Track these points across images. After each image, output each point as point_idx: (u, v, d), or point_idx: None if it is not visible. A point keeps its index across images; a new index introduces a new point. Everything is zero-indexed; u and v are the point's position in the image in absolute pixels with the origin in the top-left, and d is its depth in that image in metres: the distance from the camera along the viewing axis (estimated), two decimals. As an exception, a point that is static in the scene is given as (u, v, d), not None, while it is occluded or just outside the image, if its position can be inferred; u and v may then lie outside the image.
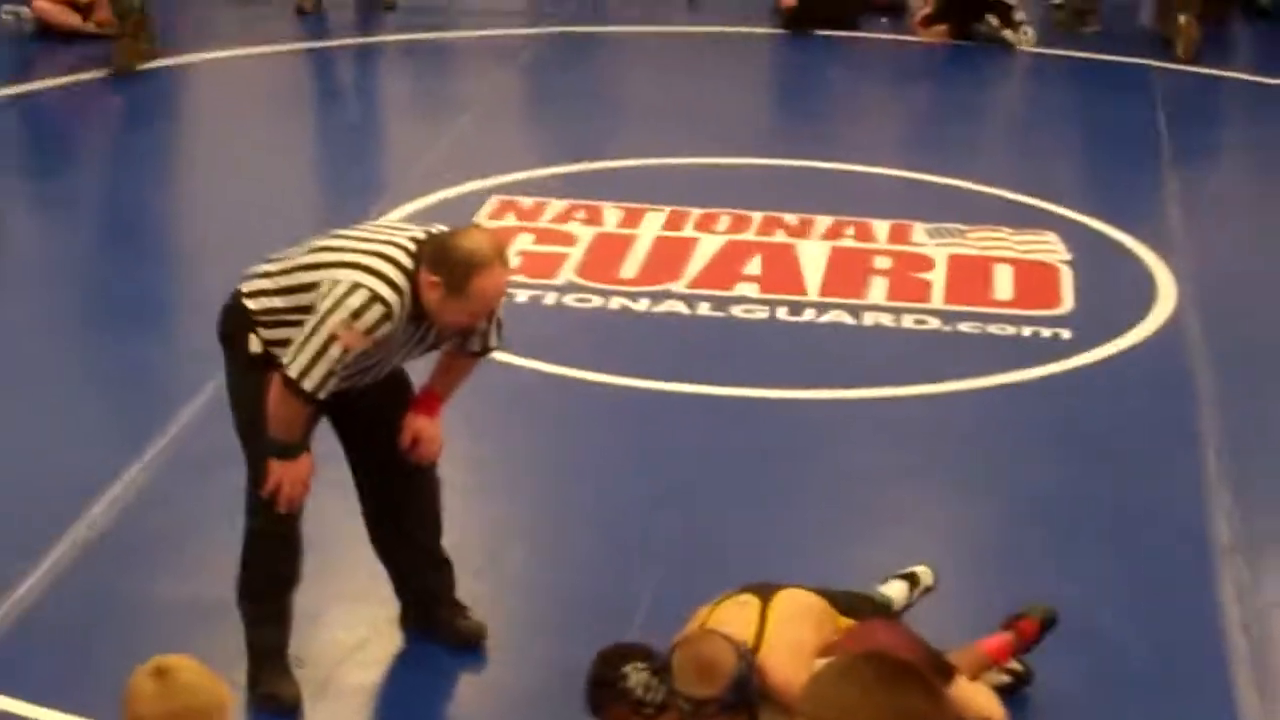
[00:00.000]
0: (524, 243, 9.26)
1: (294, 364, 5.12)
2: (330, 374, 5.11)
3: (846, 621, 5.23)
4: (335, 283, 5.10)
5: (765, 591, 5.15)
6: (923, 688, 2.63)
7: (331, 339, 5.07)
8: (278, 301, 5.28)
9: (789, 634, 5.02)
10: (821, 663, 4.49)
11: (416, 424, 5.55)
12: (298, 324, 5.16)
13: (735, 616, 5.06)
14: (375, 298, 5.07)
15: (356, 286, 5.08)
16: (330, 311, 5.07)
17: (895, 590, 5.82)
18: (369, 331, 5.08)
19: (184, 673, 3.77)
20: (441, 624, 5.83)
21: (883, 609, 5.53)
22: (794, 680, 4.69)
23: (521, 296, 8.50)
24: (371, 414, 5.54)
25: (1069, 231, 9.55)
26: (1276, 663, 5.79)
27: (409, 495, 5.74)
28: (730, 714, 4.77)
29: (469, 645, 5.80)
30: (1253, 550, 6.46)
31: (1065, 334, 8.29)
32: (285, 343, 5.18)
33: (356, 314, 5.06)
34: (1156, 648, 5.87)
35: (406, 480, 5.68)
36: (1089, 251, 9.29)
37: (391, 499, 5.74)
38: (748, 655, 4.84)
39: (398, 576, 5.86)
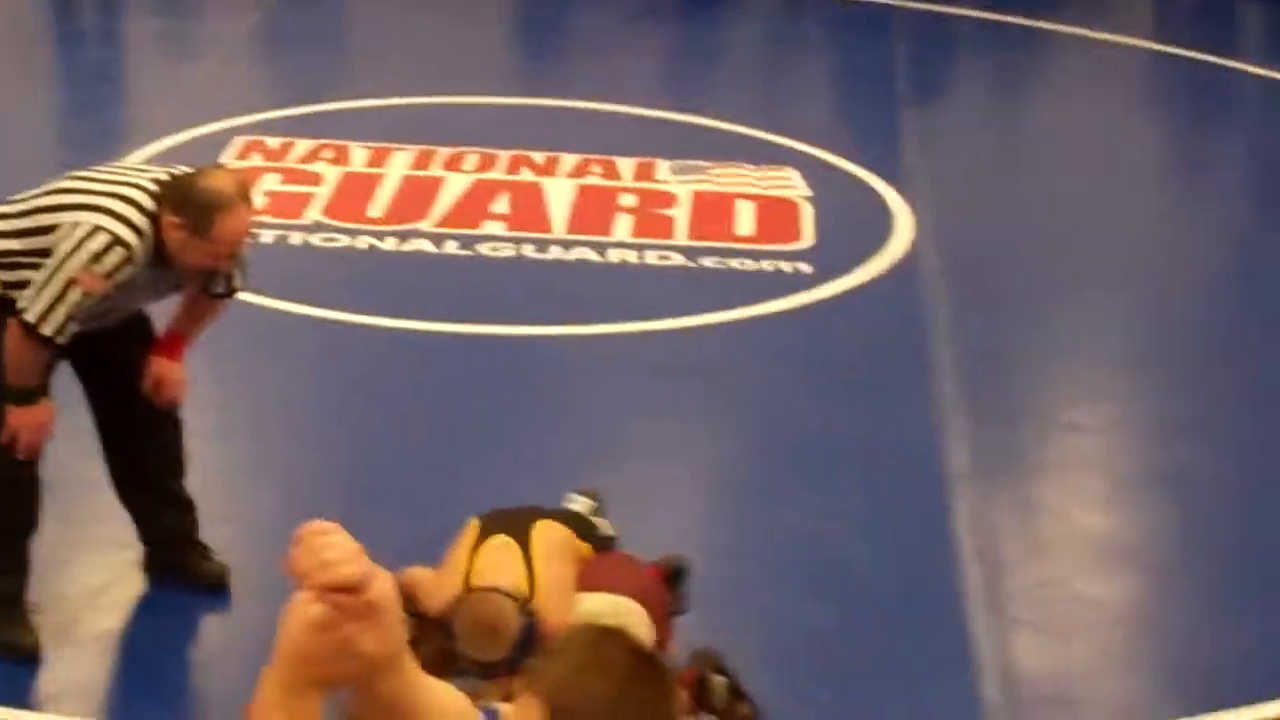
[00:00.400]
0: (270, 183, 9.19)
1: (32, 308, 5.05)
2: (70, 318, 5.06)
3: (586, 547, 5.32)
4: (75, 225, 5.05)
5: (517, 531, 5.17)
6: (665, 683, 2.66)
7: (71, 283, 5.02)
8: (15, 244, 5.20)
9: (555, 574, 5.07)
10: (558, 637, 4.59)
11: (159, 366, 5.52)
12: (36, 267, 5.09)
13: (501, 565, 5.06)
14: (116, 241, 5.02)
15: (97, 230, 5.03)
16: (70, 255, 5.02)
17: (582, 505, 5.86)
18: (109, 275, 5.03)
19: None
20: (186, 567, 5.81)
21: (607, 539, 5.57)
22: (564, 614, 4.80)
23: (268, 237, 8.45)
24: (113, 357, 5.49)
25: (809, 167, 9.71)
26: (1009, 588, 5.98)
27: (151, 438, 5.71)
28: (519, 670, 4.80)
29: (214, 588, 5.79)
30: (985, 478, 6.66)
31: (806, 268, 8.44)
32: (23, 285, 5.11)
33: (97, 257, 5.01)
34: (895, 575, 6.03)
35: (148, 423, 5.64)
36: (828, 187, 9.47)
37: (133, 442, 5.69)
38: (529, 609, 4.89)
39: (140, 520, 5.82)
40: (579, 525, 5.40)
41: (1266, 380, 7.61)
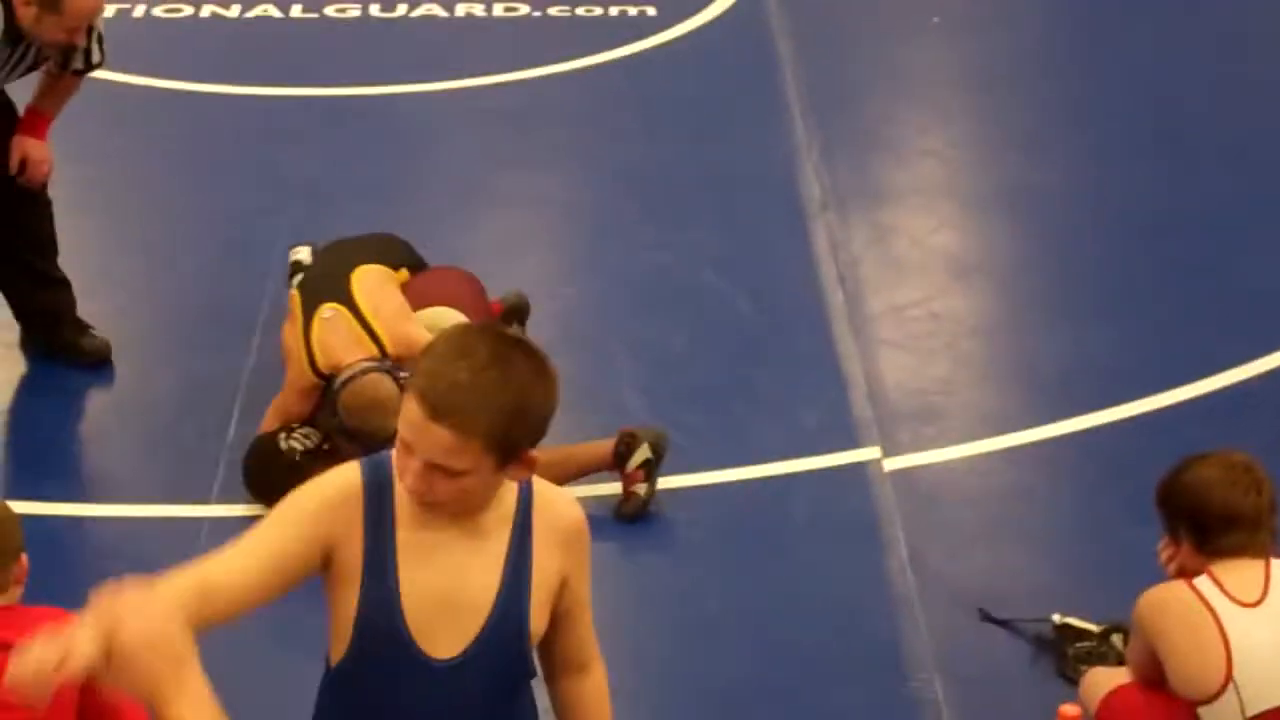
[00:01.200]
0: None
1: None
2: None
3: (403, 273, 5.50)
4: None
5: (338, 293, 5.29)
6: (530, 363, 2.80)
7: None
8: None
9: (391, 309, 5.28)
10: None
11: (24, 146, 5.54)
12: None
13: (341, 339, 5.19)
14: None
15: None
16: None
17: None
18: None
19: None
20: (66, 344, 5.86)
21: (419, 258, 5.72)
22: (417, 338, 5.03)
23: (109, 10, 8.33)
24: None
25: (648, -91, 9.70)
26: (868, 309, 6.20)
27: (20, 219, 5.73)
28: None
29: (96, 362, 5.87)
30: (842, 205, 6.85)
31: (651, 11, 8.50)
32: None
33: None
34: (759, 303, 6.22)
35: (17, 204, 5.66)
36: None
37: (3, 226, 5.72)
38: (393, 369, 5.09)
39: (16, 301, 5.87)
40: (387, 252, 5.55)
41: (1094, 91, 7.84)
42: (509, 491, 2.86)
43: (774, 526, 5.19)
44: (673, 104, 7.72)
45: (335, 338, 5.20)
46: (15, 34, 5.14)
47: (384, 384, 5.07)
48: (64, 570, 4.53)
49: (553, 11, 8.50)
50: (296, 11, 8.47)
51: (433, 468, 2.70)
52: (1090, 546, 5.09)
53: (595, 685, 3.05)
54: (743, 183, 7.03)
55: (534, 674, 2.96)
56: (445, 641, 2.84)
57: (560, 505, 2.93)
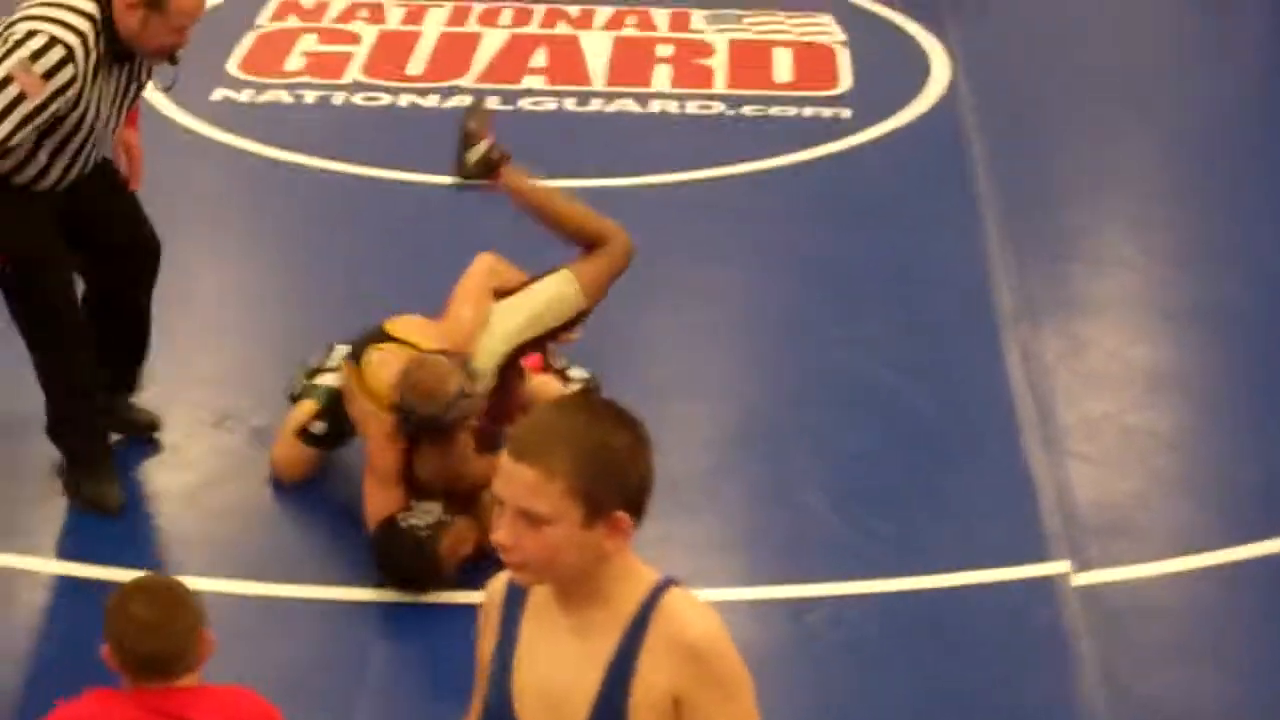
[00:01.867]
0: (308, 43, 9.23)
1: None
2: (18, 127, 5.04)
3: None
4: (10, 35, 5.10)
5: (379, 338, 5.44)
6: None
7: (8, 80, 5.02)
8: None
9: (434, 328, 5.48)
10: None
11: (126, 136, 5.65)
12: None
13: (400, 360, 5.29)
14: (53, 40, 5.04)
15: (33, 33, 5.06)
16: (6, 55, 5.05)
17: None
18: (49, 75, 5.04)
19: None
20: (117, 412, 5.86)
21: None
22: (465, 317, 5.44)
23: (309, 97, 8.51)
24: (97, 205, 5.54)
25: (843, 12, 9.71)
26: (1060, 419, 6.10)
27: (135, 271, 5.74)
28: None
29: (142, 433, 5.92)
30: (1035, 311, 6.76)
31: (845, 113, 8.49)
32: None
33: (35, 55, 5.03)
34: (948, 410, 6.15)
35: (130, 257, 5.70)
36: (863, 31, 9.48)
37: (121, 276, 5.72)
38: (468, 367, 5.26)
39: (107, 334, 5.75)
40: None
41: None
42: (633, 594, 2.79)
43: (959, 639, 5.09)
44: (864, 206, 7.69)
45: (388, 369, 5.28)
46: (122, 50, 5.20)
47: (450, 372, 5.16)
48: (241, 650, 4.55)
49: (746, 111, 8.52)
50: (492, 104, 8.52)
51: (518, 515, 2.72)
52: (1286, 673, 4.96)
53: None
54: (934, 286, 6.97)
55: None
56: None
57: (686, 616, 2.78)
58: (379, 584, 5.22)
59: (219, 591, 5.09)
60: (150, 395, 6.01)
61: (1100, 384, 6.38)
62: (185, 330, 6.49)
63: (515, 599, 2.87)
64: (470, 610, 3.24)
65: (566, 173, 7.76)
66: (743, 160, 8.03)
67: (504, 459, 2.73)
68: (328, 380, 5.76)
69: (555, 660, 2.82)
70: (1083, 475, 5.81)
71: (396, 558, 5.18)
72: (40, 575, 5.36)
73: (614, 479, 2.73)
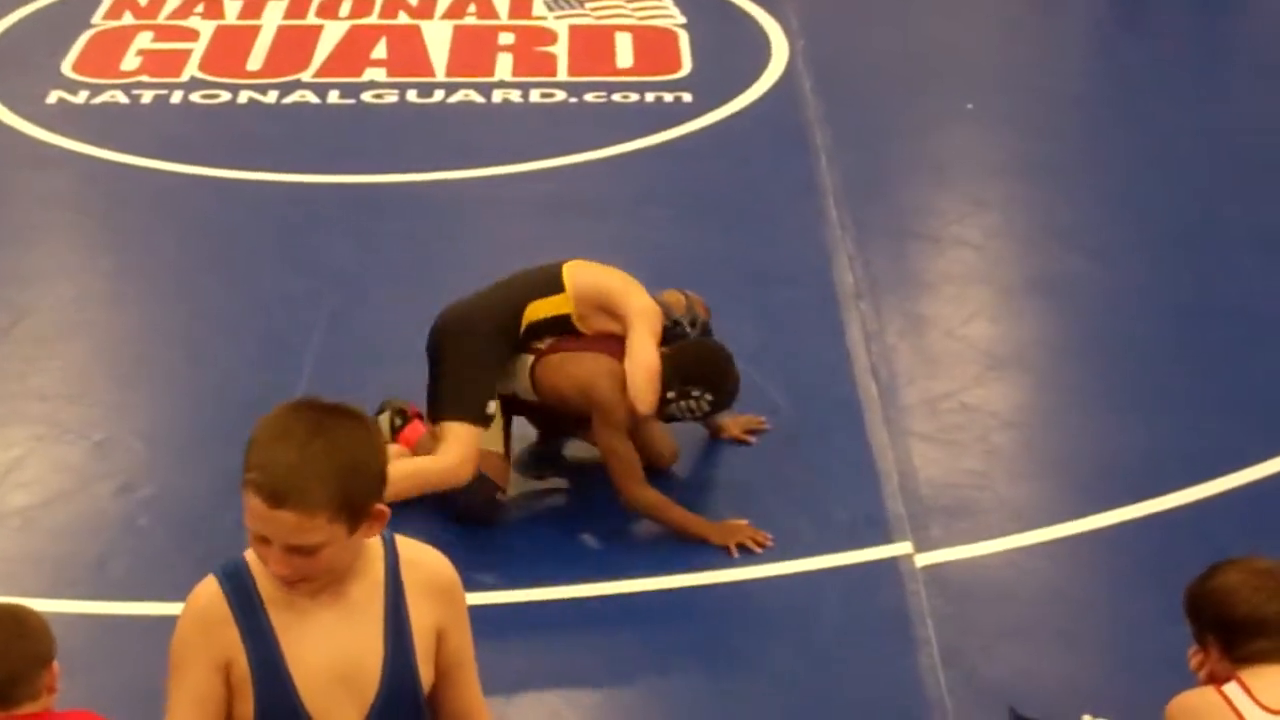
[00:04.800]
0: (144, 41, 9.14)
1: None
2: None
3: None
4: None
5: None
6: None
7: None
8: None
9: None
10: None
11: None
12: None
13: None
14: None
15: None
16: None
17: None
18: None
19: None
20: None
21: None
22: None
23: (146, 96, 8.44)
24: None
25: (682, -6, 9.77)
26: (902, 399, 6.18)
27: None
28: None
29: None
30: (876, 291, 6.83)
31: (686, 97, 8.54)
32: None
33: None
34: (795, 397, 6.20)
35: None
36: (703, 14, 9.54)
37: None
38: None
39: None
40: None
41: (1130, 181, 7.83)
42: (375, 559, 2.99)
43: (805, 623, 5.14)
44: (706, 191, 7.73)
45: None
46: None
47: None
48: (86, 671, 4.52)
49: (589, 98, 8.54)
50: (334, 98, 8.52)
51: (291, 550, 2.81)
52: (1123, 646, 5.04)
53: None
54: (775, 271, 7.03)
55: None
56: (345, 716, 2.95)
57: (428, 561, 3.05)
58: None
59: (64, 612, 5.03)
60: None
61: (940, 363, 6.46)
62: (20, 341, 6.42)
63: (246, 608, 2.93)
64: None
65: (408, 167, 7.80)
66: (587, 149, 8.05)
67: (257, 503, 2.79)
68: None
69: (333, 641, 2.95)
70: (924, 455, 5.88)
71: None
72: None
73: (366, 482, 2.86)
